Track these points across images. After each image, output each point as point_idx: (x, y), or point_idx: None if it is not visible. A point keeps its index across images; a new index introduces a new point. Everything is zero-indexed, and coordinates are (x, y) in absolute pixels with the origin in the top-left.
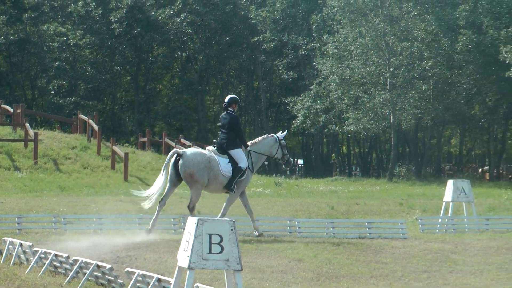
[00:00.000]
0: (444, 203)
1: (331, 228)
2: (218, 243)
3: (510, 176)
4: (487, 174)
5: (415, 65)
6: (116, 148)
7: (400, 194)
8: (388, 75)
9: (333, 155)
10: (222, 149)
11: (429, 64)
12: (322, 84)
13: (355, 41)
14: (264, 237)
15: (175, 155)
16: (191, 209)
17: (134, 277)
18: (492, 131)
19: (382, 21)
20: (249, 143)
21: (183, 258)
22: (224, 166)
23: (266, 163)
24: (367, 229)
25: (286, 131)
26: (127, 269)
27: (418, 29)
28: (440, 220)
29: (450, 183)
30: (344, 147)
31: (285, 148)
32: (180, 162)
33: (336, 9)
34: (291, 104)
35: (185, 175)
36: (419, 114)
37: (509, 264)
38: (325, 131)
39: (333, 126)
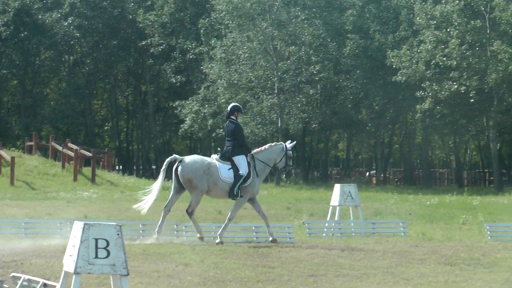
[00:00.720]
0: (331, 207)
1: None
2: (105, 248)
3: (396, 180)
4: (374, 178)
5: (303, 69)
6: (3, 152)
7: (288, 198)
8: (276, 79)
9: None
10: (226, 156)
11: (316, 68)
12: (210, 88)
13: (243, 45)
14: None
15: (177, 161)
16: (190, 214)
17: (20, 282)
18: (379, 136)
19: (270, 25)
20: (255, 150)
21: (69, 263)
22: (224, 172)
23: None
24: (254, 233)
25: (295, 142)
26: (13, 273)
27: (306, 33)
28: (327, 224)
29: (337, 187)
30: None
31: (290, 159)
32: (179, 168)
33: (224, 13)
34: (179, 108)
35: (184, 180)
36: (307, 119)
37: (395, 268)
38: (213, 135)
39: (221, 130)
